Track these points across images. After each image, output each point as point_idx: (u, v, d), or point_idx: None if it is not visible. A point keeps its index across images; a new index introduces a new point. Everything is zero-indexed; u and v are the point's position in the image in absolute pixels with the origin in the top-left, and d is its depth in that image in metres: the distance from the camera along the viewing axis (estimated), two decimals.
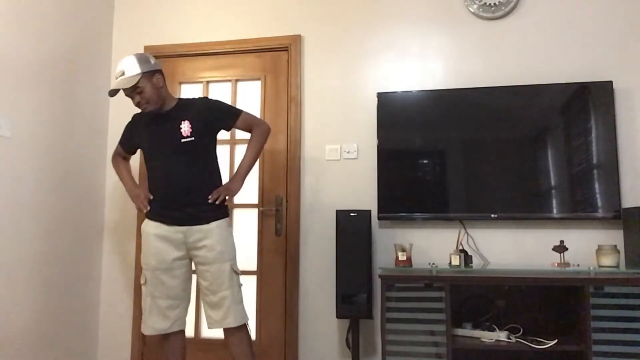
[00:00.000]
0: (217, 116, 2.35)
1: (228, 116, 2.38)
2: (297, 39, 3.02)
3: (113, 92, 2.25)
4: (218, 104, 2.39)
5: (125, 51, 3.24)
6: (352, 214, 2.56)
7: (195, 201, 2.24)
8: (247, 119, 2.39)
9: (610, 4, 2.72)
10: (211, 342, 2.93)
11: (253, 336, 2.90)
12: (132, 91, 2.22)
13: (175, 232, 2.23)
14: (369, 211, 2.57)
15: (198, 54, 3.14)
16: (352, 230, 2.55)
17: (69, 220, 2.85)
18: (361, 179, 2.86)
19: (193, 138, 2.27)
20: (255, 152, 2.36)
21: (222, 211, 2.30)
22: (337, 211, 2.59)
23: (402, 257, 2.50)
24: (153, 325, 2.21)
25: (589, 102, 2.59)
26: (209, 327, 2.24)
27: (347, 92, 2.94)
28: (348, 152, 2.90)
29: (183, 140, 2.25)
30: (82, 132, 2.97)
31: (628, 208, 2.47)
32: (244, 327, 2.24)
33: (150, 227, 2.26)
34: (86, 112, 3.01)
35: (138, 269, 3.05)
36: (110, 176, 3.17)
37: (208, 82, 3.14)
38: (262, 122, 2.42)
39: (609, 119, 2.56)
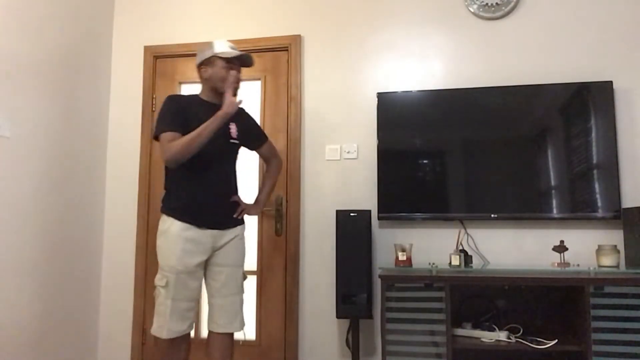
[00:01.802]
0: (254, 130, 2.43)
1: (261, 135, 2.46)
2: (297, 39, 3.02)
3: (249, 59, 2.26)
4: (255, 120, 2.46)
5: (125, 51, 3.25)
6: (352, 214, 2.56)
7: (229, 205, 2.24)
8: (271, 146, 2.49)
9: (611, 4, 2.72)
10: None
11: (253, 336, 2.90)
12: (241, 68, 2.28)
13: (205, 235, 2.14)
14: (369, 211, 2.56)
15: None
16: (352, 230, 2.55)
17: (69, 220, 2.85)
18: (361, 179, 2.86)
19: (238, 141, 2.29)
20: (274, 182, 2.48)
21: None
22: (337, 211, 2.59)
23: (402, 257, 2.49)
24: (173, 328, 2.09)
25: (589, 102, 2.59)
26: (212, 330, 2.19)
27: (347, 92, 2.94)
28: (348, 152, 2.90)
29: (231, 141, 2.26)
30: (82, 132, 2.97)
31: (628, 208, 2.47)
32: (233, 335, 2.24)
33: (179, 228, 2.10)
34: (86, 112, 3.01)
35: (138, 268, 3.05)
36: (111, 176, 3.17)
37: None
38: (279, 155, 2.52)
39: (609, 119, 2.56)
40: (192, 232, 2.11)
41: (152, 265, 3.06)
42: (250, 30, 3.10)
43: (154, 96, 3.18)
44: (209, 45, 2.23)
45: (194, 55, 3.14)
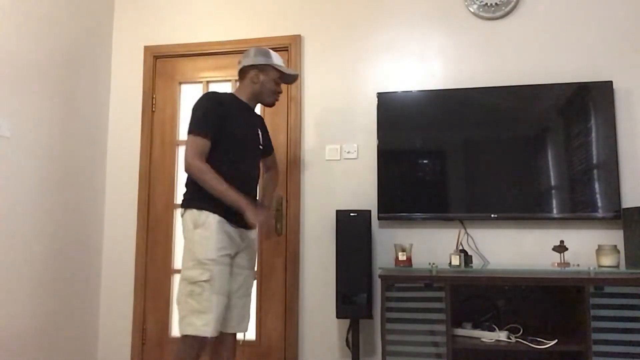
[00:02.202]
0: (268, 140, 2.47)
1: (271, 146, 2.51)
2: (297, 39, 3.02)
3: (295, 79, 2.39)
4: (268, 132, 2.52)
5: (125, 51, 3.25)
6: (352, 214, 2.56)
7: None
8: (275, 157, 2.54)
9: (611, 4, 2.72)
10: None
11: (253, 336, 2.90)
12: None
13: (236, 232, 2.14)
14: (369, 211, 2.56)
15: (198, 54, 3.14)
16: (352, 230, 2.55)
17: (69, 220, 2.85)
18: (361, 179, 2.86)
19: (262, 147, 2.35)
20: (275, 189, 2.56)
21: None
22: (337, 211, 2.59)
23: (402, 257, 2.49)
24: (217, 326, 2.03)
25: (589, 102, 2.59)
26: (221, 330, 2.16)
27: (347, 92, 2.94)
28: (348, 152, 2.90)
29: (260, 146, 2.31)
30: (82, 132, 2.97)
31: (628, 208, 2.47)
32: (236, 335, 2.25)
33: (216, 220, 2.07)
34: (86, 112, 3.01)
35: (138, 268, 3.05)
36: (111, 176, 3.17)
37: (208, 82, 3.14)
38: (277, 165, 2.58)
39: (609, 119, 2.56)
40: (227, 226, 2.10)
41: (152, 265, 3.06)
42: (250, 30, 3.10)
43: (154, 96, 3.18)
44: (265, 52, 2.27)
45: (194, 55, 3.15)
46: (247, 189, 2.19)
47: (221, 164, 2.10)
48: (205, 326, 1.99)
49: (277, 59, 2.29)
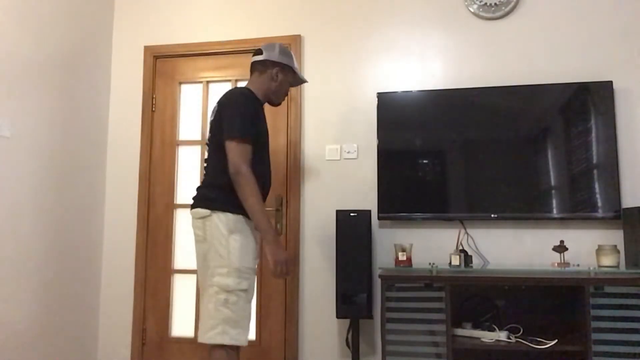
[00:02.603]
0: None
1: None
2: (297, 39, 3.02)
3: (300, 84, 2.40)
4: None
5: (125, 51, 3.25)
6: (352, 214, 2.56)
7: None
8: None
9: (610, 4, 2.72)
10: None
11: (253, 336, 2.90)
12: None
13: (258, 236, 2.06)
14: (369, 211, 2.56)
15: (198, 54, 3.14)
16: (352, 230, 2.55)
17: (69, 220, 2.85)
18: (361, 179, 2.86)
19: None
20: None
21: None
22: (337, 211, 2.59)
23: (402, 257, 2.49)
24: (248, 335, 1.96)
25: (589, 102, 2.59)
26: None
27: (347, 92, 2.94)
28: (348, 152, 2.90)
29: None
30: (82, 132, 2.97)
31: (628, 208, 2.47)
32: None
33: (251, 227, 2.01)
34: (86, 112, 3.02)
35: (138, 268, 3.05)
36: (111, 176, 3.17)
37: (208, 82, 3.14)
38: None
39: (609, 119, 2.56)
40: (256, 232, 2.05)
41: (152, 265, 3.05)
42: (250, 30, 3.10)
43: (154, 96, 3.18)
44: (289, 52, 2.24)
45: (194, 55, 3.15)
46: (270, 186, 2.18)
47: (256, 164, 2.02)
48: (240, 335, 1.92)
49: (296, 64, 2.27)
